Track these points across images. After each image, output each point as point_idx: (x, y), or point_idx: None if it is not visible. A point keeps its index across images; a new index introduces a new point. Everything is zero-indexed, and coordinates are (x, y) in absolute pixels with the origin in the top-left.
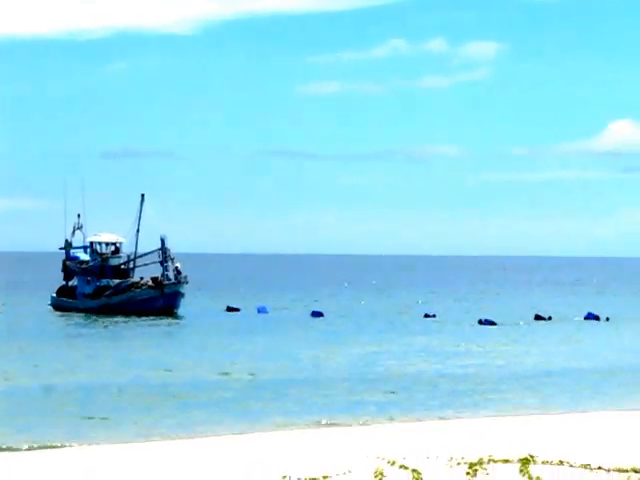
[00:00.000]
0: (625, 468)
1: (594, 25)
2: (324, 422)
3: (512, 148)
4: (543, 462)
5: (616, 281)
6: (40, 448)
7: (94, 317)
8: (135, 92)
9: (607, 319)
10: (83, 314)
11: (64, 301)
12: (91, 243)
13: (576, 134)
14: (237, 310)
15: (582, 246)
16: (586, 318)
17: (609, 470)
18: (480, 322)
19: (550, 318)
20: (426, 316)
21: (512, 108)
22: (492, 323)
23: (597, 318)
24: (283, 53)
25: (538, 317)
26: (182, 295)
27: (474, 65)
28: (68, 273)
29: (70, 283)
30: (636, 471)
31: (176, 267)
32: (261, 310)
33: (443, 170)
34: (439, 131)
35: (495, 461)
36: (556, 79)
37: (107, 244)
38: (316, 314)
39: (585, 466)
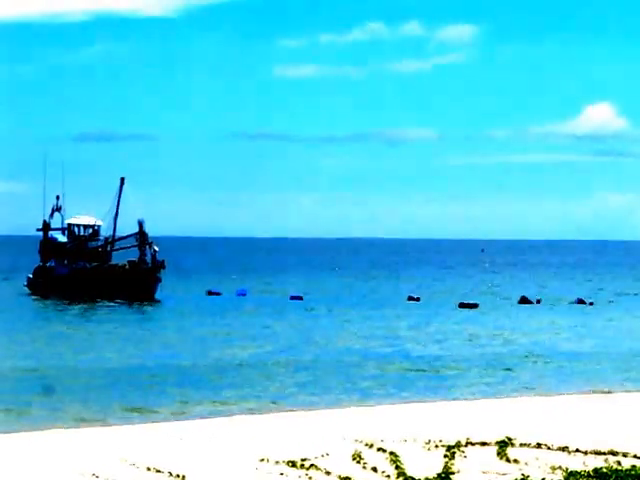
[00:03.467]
0: (603, 450)
1: (572, 7)
2: (301, 406)
3: (490, 131)
4: (521, 445)
5: (599, 265)
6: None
7: (68, 301)
8: (112, 75)
9: (591, 304)
10: (57, 297)
11: (40, 282)
12: (69, 225)
13: (554, 117)
14: (218, 294)
15: (559, 229)
16: (577, 302)
17: (587, 452)
18: (461, 305)
19: (539, 301)
20: (410, 299)
21: (490, 91)
22: (474, 306)
23: (586, 302)
24: (261, 36)
25: (524, 300)
26: (159, 280)
27: (451, 48)
28: (45, 254)
29: (47, 264)
30: (614, 453)
31: (153, 251)
32: (240, 293)
33: (421, 153)
34: (417, 114)
35: (473, 444)
36: (533, 62)
37: (85, 227)
38: (295, 298)
39: (563, 449)
